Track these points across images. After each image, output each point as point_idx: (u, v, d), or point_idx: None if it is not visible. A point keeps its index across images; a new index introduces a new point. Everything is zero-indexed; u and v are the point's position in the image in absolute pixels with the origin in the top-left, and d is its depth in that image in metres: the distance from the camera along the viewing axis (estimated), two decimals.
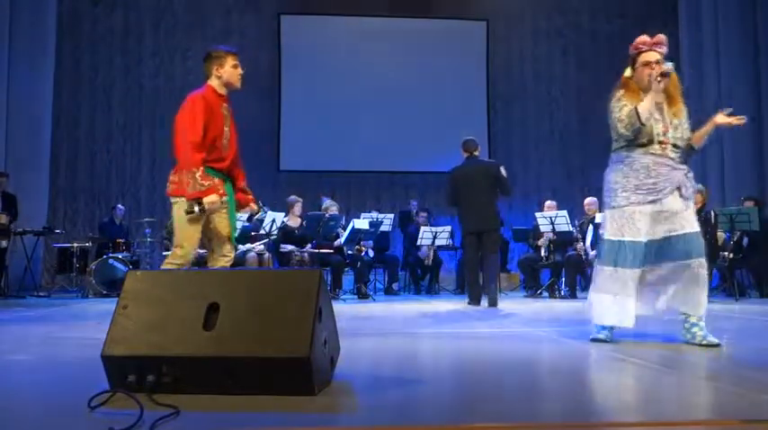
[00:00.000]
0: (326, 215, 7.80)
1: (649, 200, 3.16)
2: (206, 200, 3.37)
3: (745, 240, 7.81)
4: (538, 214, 8.40)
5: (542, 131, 11.80)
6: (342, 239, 7.99)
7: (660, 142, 3.20)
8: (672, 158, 3.21)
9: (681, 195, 3.19)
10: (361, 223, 8.08)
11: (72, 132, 10.88)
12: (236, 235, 3.75)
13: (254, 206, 3.81)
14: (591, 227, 8.02)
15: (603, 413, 1.88)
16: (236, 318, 2.05)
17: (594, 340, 3.30)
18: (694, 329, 3.19)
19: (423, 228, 9.25)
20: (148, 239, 9.00)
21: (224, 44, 3.83)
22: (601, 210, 3.51)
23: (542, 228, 8.22)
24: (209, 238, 3.59)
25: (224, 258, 3.55)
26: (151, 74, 11.09)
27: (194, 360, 2.00)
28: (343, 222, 8.39)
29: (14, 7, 9.74)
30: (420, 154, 11.15)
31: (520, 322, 4.73)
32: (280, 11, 11.39)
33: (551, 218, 8.07)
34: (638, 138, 3.21)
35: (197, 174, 3.36)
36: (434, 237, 9.12)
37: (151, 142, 10.97)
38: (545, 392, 2.24)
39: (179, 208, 3.43)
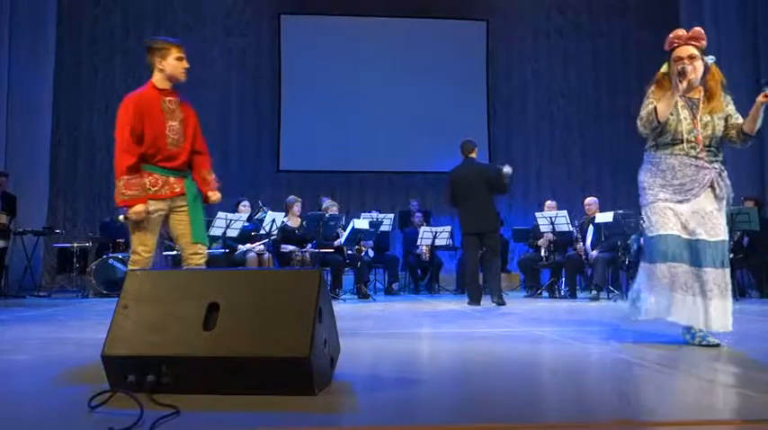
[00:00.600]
0: (326, 215, 7.80)
1: (678, 199, 3.11)
2: (131, 211, 3.30)
3: (746, 240, 7.81)
4: (538, 214, 8.40)
5: (542, 131, 11.80)
6: (342, 239, 7.99)
7: (687, 141, 3.14)
8: (700, 158, 3.13)
9: (715, 195, 3.13)
10: (361, 223, 8.08)
11: (72, 132, 10.88)
12: (208, 231, 3.63)
13: (213, 197, 3.60)
14: (591, 227, 8.03)
15: (604, 413, 1.88)
16: (236, 318, 2.05)
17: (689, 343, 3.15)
18: (693, 330, 3.18)
19: (422, 229, 9.26)
20: None
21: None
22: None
23: (542, 228, 8.22)
24: (174, 239, 3.54)
25: (195, 256, 3.45)
26: (150, 74, 11.07)
27: (194, 360, 2.00)
28: (343, 222, 8.39)
29: (14, 7, 9.73)
30: (420, 154, 11.15)
31: (520, 322, 4.72)
32: (280, 11, 11.38)
33: (551, 218, 8.07)
34: (664, 138, 3.17)
35: (120, 184, 3.29)
36: (434, 237, 9.12)
37: None
38: (545, 392, 2.24)
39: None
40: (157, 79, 3.46)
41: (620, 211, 7.81)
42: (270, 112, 11.27)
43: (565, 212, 8.15)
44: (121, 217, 3.37)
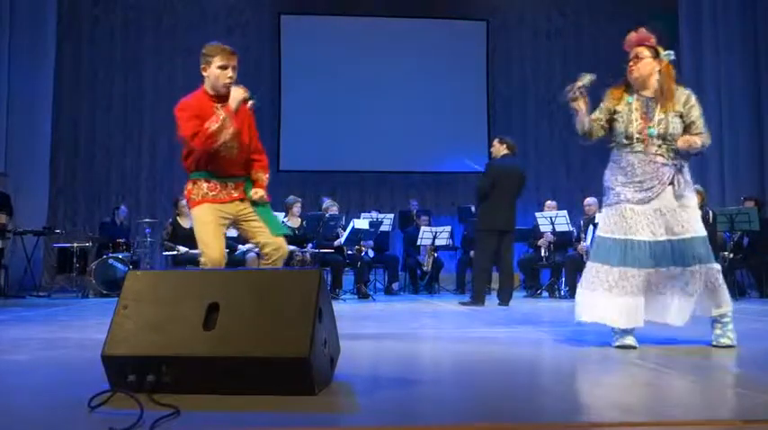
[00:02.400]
0: (326, 215, 7.80)
1: (639, 198, 3.09)
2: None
3: (746, 240, 7.82)
4: (538, 214, 8.41)
5: (542, 131, 11.80)
6: (342, 239, 7.99)
7: (640, 140, 3.16)
8: (660, 155, 3.14)
9: (674, 192, 3.11)
10: (361, 223, 8.08)
11: (72, 132, 10.88)
12: (281, 232, 3.60)
13: (255, 196, 3.53)
14: (591, 227, 8.04)
15: (603, 413, 1.88)
16: (235, 318, 2.05)
17: (621, 347, 3.08)
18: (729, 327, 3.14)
19: (423, 228, 9.25)
20: (148, 239, 9.01)
21: (226, 43, 3.56)
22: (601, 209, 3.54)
23: (542, 228, 8.22)
24: (252, 241, 3.58)
25: (275, 253, 3.47)
26: (151, 74, 11.09)
27: (194, 360, 2.00)
28: (343, 222, 8.39)
29: (14, 7, 9.73)
30: (420, 154, 11.15)
31: (520, 322, 4.73)
32: (280, 11, 11.39)
33: (551, 218, 8.07)
34: (618, 138, 3.23)
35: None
36: (434, 238, 9.11)
37: (151, 142, 10.96)
38: (545, 392, 2.24)
39: (194, 214, 3.43)
40: (207, 86, 3.39)
41: None
42: (270, 112, 11.26)
43: (565, 212, 8.15)
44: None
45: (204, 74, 3.36)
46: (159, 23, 11.18)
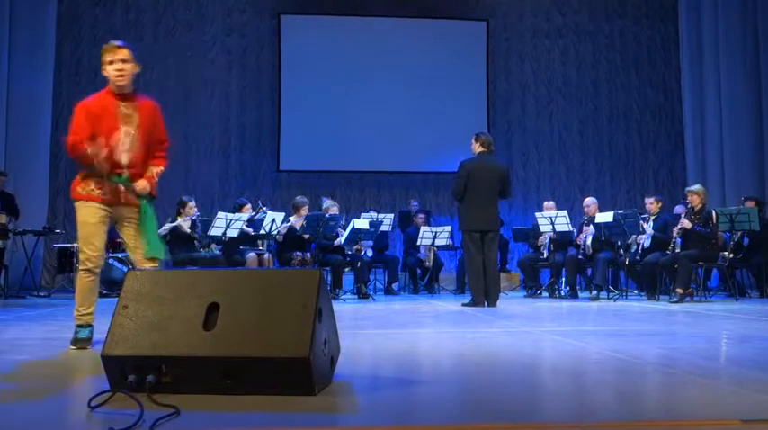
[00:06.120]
0: (326, 215, 7.80)
1: None
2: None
3: (746, 240, 7.81)
4: (538, 214, 8.40)
5: (542, 131, 11.79)
6: (342, 239, 7.99)
7: None
8: None
9: None
10: (361, 223, 8.08)
11: None
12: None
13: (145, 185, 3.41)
14: (591, 227, 8.05)
15: (603, 413, 1.88)
16: (235, 318, 2.05)
17: None
18: None
19: (423, 228, 9.24)
20: None
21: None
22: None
23: (542, 228, 8.22)
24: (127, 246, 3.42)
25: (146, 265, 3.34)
26: (151, 74, 11.08)
27: (194, 360, 2.00)
28: (343, 222, 8.39)
29: (14, 7, 9.73)
30: (420, 154, 11.14)
31: (520, 322, 4.73)
32: (280, 11, 11.38)
33: (551, 218, 8.07)
34: None
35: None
36: (434, 237, 9.11)
37: None
38: (545, 392, 2.24)
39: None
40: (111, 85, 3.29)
41: (620, 211, 7.81)
42: (270, 112, 11.27)
43: (565, 212, 8.15)
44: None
45: (103, 72, 3.29)
46: (159, 23, 11.17)
